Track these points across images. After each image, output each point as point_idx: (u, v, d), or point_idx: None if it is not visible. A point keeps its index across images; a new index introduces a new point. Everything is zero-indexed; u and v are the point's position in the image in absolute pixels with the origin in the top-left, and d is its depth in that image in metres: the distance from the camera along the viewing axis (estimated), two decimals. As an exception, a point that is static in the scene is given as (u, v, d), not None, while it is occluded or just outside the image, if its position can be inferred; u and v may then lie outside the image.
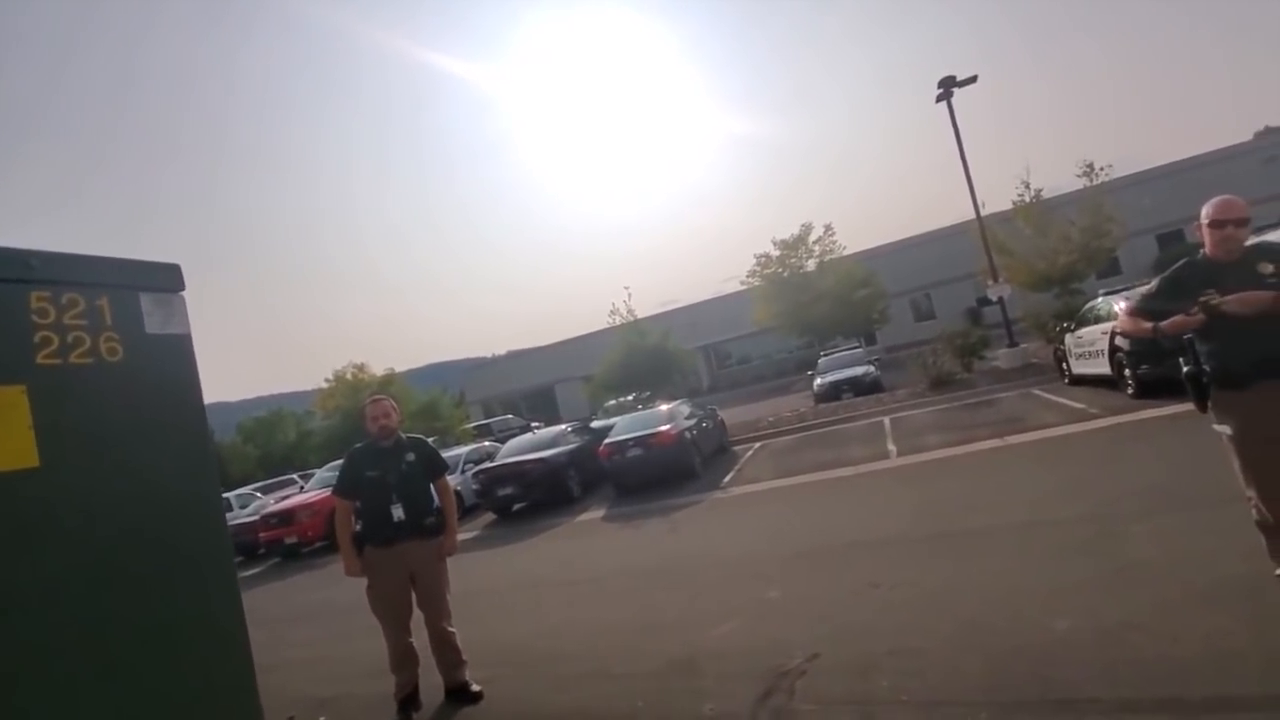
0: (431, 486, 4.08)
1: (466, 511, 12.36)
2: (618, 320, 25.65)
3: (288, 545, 12.59)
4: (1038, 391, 11.50)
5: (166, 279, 2.06)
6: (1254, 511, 3.03)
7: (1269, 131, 35.14)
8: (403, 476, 3.92)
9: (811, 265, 28.20)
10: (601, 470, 11.67)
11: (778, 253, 28.50)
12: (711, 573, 5.77)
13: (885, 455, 9.30)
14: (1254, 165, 29.52)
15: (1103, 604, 3.48)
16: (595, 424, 16.77)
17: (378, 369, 27.07)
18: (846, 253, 29.38)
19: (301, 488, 18.33)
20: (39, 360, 1.72)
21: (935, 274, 32.91)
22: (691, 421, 12.14)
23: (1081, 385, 10.67)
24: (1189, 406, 3.22)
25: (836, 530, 6.24)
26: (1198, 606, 3.22)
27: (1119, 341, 8.86)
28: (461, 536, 4.22)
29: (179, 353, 2.03)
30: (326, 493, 12.76)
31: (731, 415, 16.89)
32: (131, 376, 1.89)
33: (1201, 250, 3.08)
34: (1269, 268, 2.88)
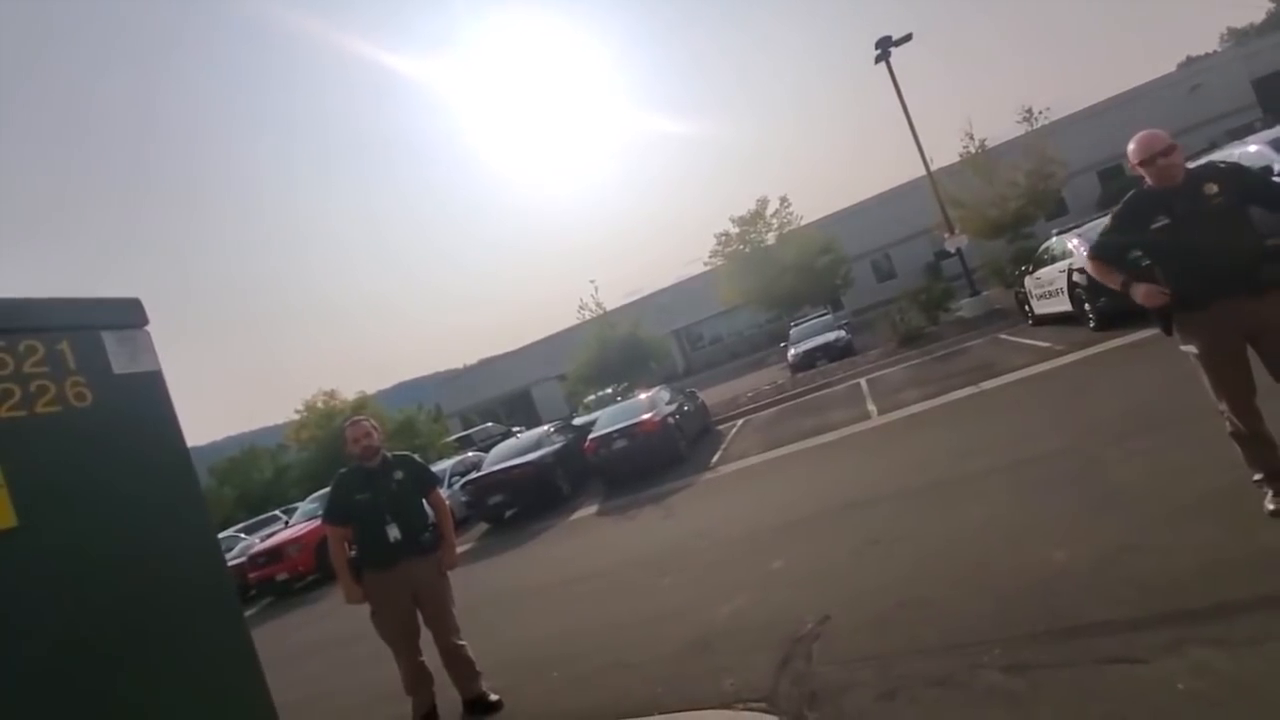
0: (424, 502, 4.01)
1: (459, 524, 12.26)
2: (587, 315, 25.56)
3: (279, 583, 12.30)
4: (1004, 336, 11.77)
5: (129, 315, 1.97)
6: (1227, 424, 3.13)
7: (1191, 61, 36.34)
8: (394, 496, 3.85)
9: (771, 238, 28.47)
10: (589, 466, 11.65)
11: (737, 230, 28.72)
12: (712, 553, 5.80)
13: (867, 416, 9.44)
14: (1181, 94, 30.56)
15: (1096, 530, 3.59)
16: (577, 421, 16.72)
17: (348, 394, 26.59)
18: (804, 222, 29.71)
19: (286, 523, 17.93)
20: (2, 414, 1.63)
21: (892, 233, 33.40)
22: (673, 407, 12.16)
23: (1045, 324, 10.95)
24: (1149, 333, 3.36)
25: (829, 495, 6.32)
26: (1185, 521, 3.33)
27: (1076, 278, 9.10)
28: (458, 549, 4.20)
29: (151, 390, 1.95)
30: (313, 524, 12.48)
31: (711, 395, 16.98)
32: (104, 420, 1.81)
33: (1146, 181, 3.11)
34: (1213, 188, 2.97)
